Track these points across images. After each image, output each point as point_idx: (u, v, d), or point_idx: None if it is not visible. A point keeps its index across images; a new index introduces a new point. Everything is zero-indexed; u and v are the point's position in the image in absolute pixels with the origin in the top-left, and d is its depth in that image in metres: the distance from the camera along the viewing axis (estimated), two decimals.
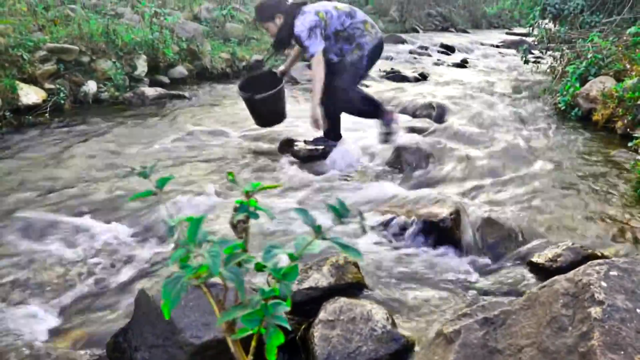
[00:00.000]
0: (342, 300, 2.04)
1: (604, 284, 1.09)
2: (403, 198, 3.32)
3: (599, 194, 3.55)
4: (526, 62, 8.62)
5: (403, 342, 1.89)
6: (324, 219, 0.94)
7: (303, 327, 2.04)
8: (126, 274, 2.53)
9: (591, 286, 1.09)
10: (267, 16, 4.02)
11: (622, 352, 0.98)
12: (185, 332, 1.82)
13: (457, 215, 2.86)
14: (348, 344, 1.88)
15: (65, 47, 5.70)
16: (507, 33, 17.23)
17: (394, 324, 1.97)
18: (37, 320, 2.23)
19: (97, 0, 7.81)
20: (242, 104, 4.51)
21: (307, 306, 2.14)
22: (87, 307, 2.31)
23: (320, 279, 2.20)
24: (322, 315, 2.00)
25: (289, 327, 0.65)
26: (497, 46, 13.68)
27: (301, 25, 3.86)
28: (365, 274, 2.38)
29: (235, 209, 0.65)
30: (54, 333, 2.15)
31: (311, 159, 4.19)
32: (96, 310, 2.28)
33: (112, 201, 3.34)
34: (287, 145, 4.47)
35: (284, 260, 0.71)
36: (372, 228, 2.96)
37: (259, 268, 0.65)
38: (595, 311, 1.05)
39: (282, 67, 4.58)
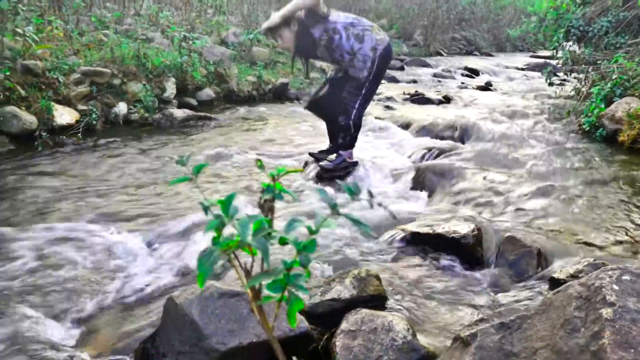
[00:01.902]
0: (364, 312, 2.09)
1: (615, 287, 1.12)
2: (425, 216, 3.36)
3: (622, 212, 3.54)
4: (550, 84, 8.61)
5: (423, 353, 1.93)
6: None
7: (325, 337, 2.08)
8: (154, 283, 2.61)
9: (603, 289, 1.13)
10: (282, 23, 4.00)
11: (632, 350, 1.01)
12: (211, 338, 1.88)
13: (478, 232, 2.89)
14: (369, 354, 1.92)
15: (98, 70, 5.90)
16: (531, 56, 17.22)
17: (414, 335, 2.00)
18: (66, 327, 2.32)
19: (129, 26, 8.07)
20: (265, 125, 4.60)
21: (330, 317, 2.18)
22: (116, 314, 2.39)
23: (342, 290, 2.25)
24: (344, 325, 2.04)
25: (307, 294, 0.71)
26: (522, 69, 13.67)
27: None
28: (387, 287, 2.43)
29: (262, 191, 0.71)
30: (83, 339, 2.24)
31: (333, 177, 4.25)
32: (125, 317, 2.36)
33: (141, 214, 3.45)
34: (310, 164, 4.54)
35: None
36: (391, 242, 3.00)
37: (283, 242, 0.72)
38: (606, 312, 1.08)
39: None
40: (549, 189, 3.98)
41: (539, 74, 12.00)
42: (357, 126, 4.25)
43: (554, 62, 10.66)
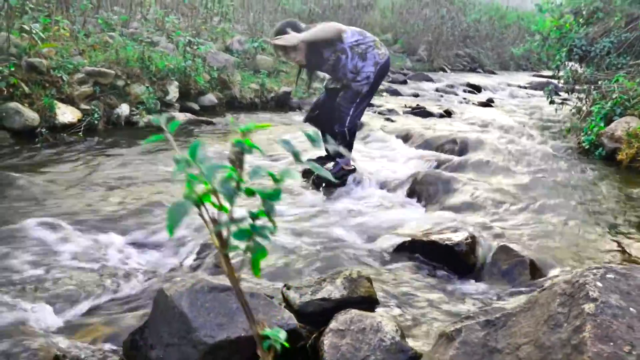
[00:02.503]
0: (354, 312, 2.09)
1: (599, 284, 1.13)
2: (420, 224, 3.37)
3: (617, 228, 3.56)
4: (551, 102, 8.64)
5: (411, 354, 1.93)
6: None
7: (314, 335, 2.09)
8: (148, 278, 2.62)
9: (587, 285, 1.14)
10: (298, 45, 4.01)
11: (612, 344, 1.02)
12: (199, 331, 1.89)
13: (472, 240, 2.90)
14: (357, 353, 1.92)
15: (102, 70, 5.94)
16: (534, 75, 17.31)
17: (403, 337, 2.00)
18: (59, 318, 2.33)
19: (135, 29, 8.13)
20: (265, 132, 4.62)
21: (320, 317, 2.19)
22: (109, 307, 2.40)
23: (333, 291, 2.26)
24: (332, 324, 2.05)
25: (270, 241, 0.72)
26: (524, 87, 13.73)
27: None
28: (378, 290, 2.43)
29: (233, 145, 0.73)
30: (75, 330, 2.24)
31: (329, 186, 4.26)
32: (118, 310, 2.37)
33: (136, 212, 3.45)
34: (308, 171, 4.56)
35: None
36: (392, 251, 3.01)
37: (249, 193, 0.73)
38: (588, 307, 1.09)
39: None
40: (546, 203, 3.99)
41: (541, 92, 12.05)
42: (352, 133, 4.29)
43: (556, 81, 10.72)
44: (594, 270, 1.20)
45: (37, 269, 2.69)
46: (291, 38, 3.94)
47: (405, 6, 17.46)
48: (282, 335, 0.83)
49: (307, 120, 4.57)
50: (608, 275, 1.16)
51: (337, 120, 4.19)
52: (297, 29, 4.04)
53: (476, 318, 1.35)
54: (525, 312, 1.26)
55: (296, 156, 0.76)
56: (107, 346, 2.12)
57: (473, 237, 2.90)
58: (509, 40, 19.52)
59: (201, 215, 0.73)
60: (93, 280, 2.61)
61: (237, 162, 0.73)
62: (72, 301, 2.44)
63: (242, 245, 0.75)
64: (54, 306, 2.40)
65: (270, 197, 0.75)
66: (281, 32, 4.03)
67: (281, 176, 0.74)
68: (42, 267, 2.71)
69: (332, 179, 0.86)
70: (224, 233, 0.75)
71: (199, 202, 0.71)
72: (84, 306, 2.42)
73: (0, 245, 2.91)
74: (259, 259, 0.75)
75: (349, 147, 4.34)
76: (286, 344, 0.82)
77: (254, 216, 0.75)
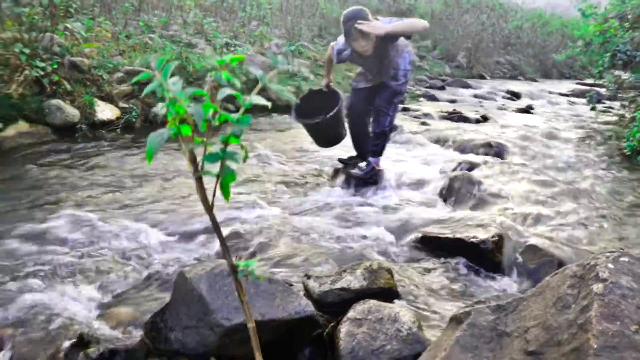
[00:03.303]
0: (372, 302, 2.09)
1: (610, 265, 1.10)
2: (448, 222, 3.34)
3: None
4: (593, 108, 8.44)
5: (427, 345, 1.91)
6: None
7: (331, 324, 2.09)
8: (171, 267, 2.66)
9: (597, 267, 1.11)
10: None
11: (619, 322, 0.99)
12: (217, 313, 1.91)
13: (499, 238, 2.85)
14: (372, 342, 1.92)
15: (141, 70, 6.09)
16: (577, 83, 16.92)
17: (420, 328, 1.99)
18: (87, 302, 2.39)
19: (175, 32, 8.30)
20: (299, 131, 4.64)
21: (339, 307, 2.18)
22: (134, 292, 2.45)
23: (352, 281, 2.25)
24: (350, 313, 2.05)
25: (240, 163, 0.74)
26: (566, 95, 13.44)
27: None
28: (399, 283, 2.41)
29: (210, 78, 0.76)
30: (101, 313, 2.30)
31: (362, 184, 4.26)
32: (141, 295, 2.42)
33: (163, 205, 3.53)
34: (340, 171, 4.57)
35: None
36: (415, 247, 3.00)
37: (222, 118, 0.75)
38: (597, 287, 1.06)
39: (324, 81, 4.54)
40: (581, 206, 3.90)
41: (583, 100, 11.77)
42: (390, 133, 4.28)
43: (601, 90, 10.46)
44: (607, 254, 1.16)
45: (69, 256, 2.77)
46: (379, 28, 3.80)
47: (444, 12, 17.33)
48: (254, 265, 0.83)
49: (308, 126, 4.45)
50: (622, 259, 1.13)
51: (376, 121, 4.19)
52: (367, 19, 3.95)
53: (487, 303, 1.34)
54: (537, 297, 1.24)
55: (261, 79, 0.78)
56: (130, 328, 2.17)
57: (500, 235, 2.86)
58: (552, 48, 19.13)
59: (179, 143, 0.75)
60: (121, 267, 2.67)
61: (211, 88, 0.75)
62: (99, 285, 2.51)
63: (214, 169, 0.78)
64: (82, 290, 2.47)
65: (240, 122, 0.77)
66: (358, 16, 3.86)
67: (250, 102, 0.76)
68: (73, 254, 2.79)
69: (293, 98, 0.88)
70: (197, 157, 0.78)
71: (176, 131, 0.73)
72: (110, 290, 2.48)
73: (36, 233, 3.02)
74: (229, 182, 0.77)
75: (384, 147, 4.32)
76: (260, 278, 0.83)
77: (225, 140, 0.77)
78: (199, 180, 0.79)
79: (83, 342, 2.05)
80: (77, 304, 2.34)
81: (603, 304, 1.03)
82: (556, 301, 1.14)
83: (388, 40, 3.90)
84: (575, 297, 1.11)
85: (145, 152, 0.76)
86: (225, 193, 0.78)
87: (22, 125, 4.96)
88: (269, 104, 0.81)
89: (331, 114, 4.15)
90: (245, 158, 0.78)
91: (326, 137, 4.47)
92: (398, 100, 4.17)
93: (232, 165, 0.77)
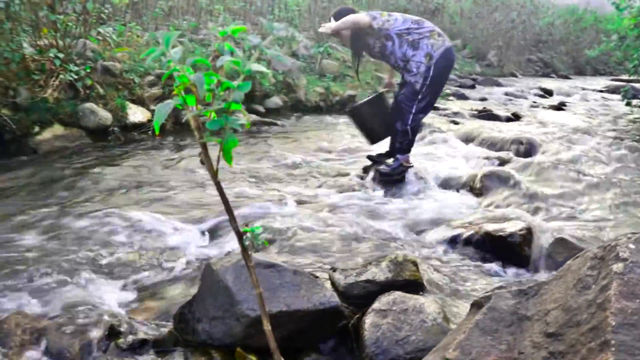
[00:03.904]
0: (397, 294, 2.09)
1: (631, 246, 1.09)
2: (477, 216, 3.32)
3: None
4: (628, 104, 8.26)
5: None
6: None
7: (357, 316, 2.10)
8: (201, 261, 2.72)
9: (618, 247, 1.10)
10: (341, 17, 4.14)
11: (638, 300, 0.98)
12: (242, 304, 1.94)
13: (527, 232, 2.83)
14: (397, 332, 1.92)
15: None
16: (612, 79, 16.56)
17: (446, 319, 1.99)
18: (116, 296, 2.46)
19: (204, 36, 8.42)
20: (327, 130, 4.67)
21: (364, 300, 2.19)
22: (165, 286, 2.51)
23: (377, 273, 2.26)
24: (375, 305, 2.06)
25: (240, 129, 0.76)
26: (600, 91, 13.17)
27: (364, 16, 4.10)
28: (425, 276, 2.41)
29: (216, 50, 0.79)
30: (132, 305, 2.36)
31: (390, 180, 4.27)
32: (171, 288, 2.47)
33: (193, 204, 3.59)
34: (369, 168, 4.58)
35: None
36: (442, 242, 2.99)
37: (224, 86, 0.78)
38: (617, 267, 1.05)
39: (381, 88, 4.70)
40: (612, 202, 3.83)
41: (618, 96, 11.52)
42: (414, 131, 4.25)
43: (636, 85, 10.22)
44: (629, 235, 1.15)
45: (100, 252, 2.85)
46: (327, 27, 4.15)
47: (474, 11, 17.16)
48: (259, 230, 0.86)
49: (349, 112, 4.63)
50: None
51: (399, 118, 4.17)
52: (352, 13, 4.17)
53: (508, 288, 1.34)
54: (558, 280, 1.23)
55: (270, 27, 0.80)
56: (159, 320, 2.22)
57: (528, 229, 2.83)
58: (585, 44, 18.76)
59: (185, 112, 0.78)
60: (151, 262, 2.74)
61: (213, 58, 0.78)
62: (129, 280, 2.57)
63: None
64: (113, 284, 2.54)
65: (240, 88, 0.79)
66: (335, 16, 4.19)
67: (247, 69, 0.78)
68: (105, 250, 2.87)
69: (285, 60, 0.90)
70: (201, 123, 0.80)
71: (182, 101, 0.76)
72: (140, 284, 2.54)
73: (69, 230, 3.12)
74: (230, 147, 0.80)
75: (410, 144, 4.31)
76: (265, 242, 0.85)
77: (226, 107, 0.79)
78: (204, 147, 0.82)
79: (114, 333, 2.11)
80: (109, 298, 2.40)
81: (622, 283, 1.02)
82: (576, 283, 1.13)
83: (356, 35, 4.14)
84: (595, 277, 1.10)
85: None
86: (228, 158, 0.81)
87: (57, 129, 5.10)
88: (269, 72, 0.84)
89: (366, 99, 4.32)
90: (248, 125, 0.81)
91: (368, 129, 4.52)
92: (422, 97, 4.07)
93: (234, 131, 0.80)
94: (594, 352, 0.95)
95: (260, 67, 0.83)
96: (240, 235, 0.87)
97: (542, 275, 2.64)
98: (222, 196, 0.86)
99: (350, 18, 4.08)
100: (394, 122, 4.24)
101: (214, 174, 0.85)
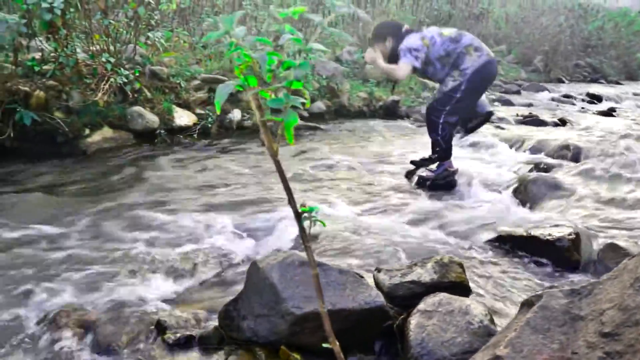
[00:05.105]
0: (442, 295, 2.07)
1: None
2: (525, 221, 3.27)
3: None
4: None
5: None
6: None
7: (402, 317, 2.09)
8: (246, 260, 2.75)
9: None
10: (379, 36, 4.17)
11: None
12: (288, 302, 1.96)
13: (576, 236, 2.76)
14: (443, 334, 1.90)
15: (217, 77, 6.31)
16: None
17: (492, 321, 1.95)
18: (165, 291, 2.51)
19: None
20: (373, 135, 4.64)
21: (409, 301, 2.17)
22: (211, 283, 2.55)
23: (423, 274, 2.24)
24: (421, 306, 2.04)
25: (300, 107, 0.77)
26: None
27: (404, 45, 4.02)
28: (471, 278, 2.38)
29: (277, 31, 0.81)
30: (178, 302, 2.41)
31: (433, 185, 4.23)
32: (218, 286, 2.52)
33: (238, 205, 3.64)
34: (412, 172, 4.55)
35: None
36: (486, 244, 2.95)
37: (286, 66, 0.79)
38: None
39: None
40: None
41: None
42: (446, 140, 4.19)
43: None
44: None
45: (149, 250, 2.91)
46: (371, 58, 4.19)
47: (519, 15, 16.87)
48: (318, 210, 0.86)
49: None
50: None
51: (432, 129, 4.16)
52: (396, 32, 4.12)
53: (560, 287, 1.31)
54: (613, 280, 1.20)
55: (332, 7, 0.81)
56: (205, 316, 2.25)
57: (577, 234, 2.76)
58: (638, 48, 18.20)
59: (244, 92, 0.80)
60: (198, 260, 2.79)
61: (274, 38, 0.79)
62: (177, 276, 2.62)
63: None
64: (161, 281, 2.59)
65: (301, 66, 0.81)
66: (377, 35, 4.20)
67: (309, 47, 0.79)
68: (154, 249, 2.93)
69: (348, 37, 0.91)
70: (262, 102, 0.82)
71: (243, 82, 0.77)
72: (187, 281, 2.59)
73: (118, 228, 3.20)
74: (291, 125, 0.81)
75: (447, 152, 4.27)
76: (323, 223, 0.85)
77: (288, 85, 0.80)
78: (264, 125, 0.84)
79: (161, 327, 2.15)
80: (156, 293, 2.45)
81: None
82: (634, 282, 1.10)
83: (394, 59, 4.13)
84: None
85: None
86: (289, 136, 0.82)
87: (107, 131, 5.25)
88: (328, 50, 0.85)
89: None
90: (308, 104, 0.82)
91: None
92: (454, 107, 4.05)
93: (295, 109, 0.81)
94: None
95: (321, 46, 0.85)
96: (298, 215, 0.88)
97: (592, 279, 2.57)
98: (281, 174, 0.87)
99: (394, 72, 4.11)
100: (429, 132, 4.22)
101: (274, 153, 0.86)
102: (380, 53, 4.16)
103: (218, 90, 0.78)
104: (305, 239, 0.90)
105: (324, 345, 1.00)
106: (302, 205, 0.91)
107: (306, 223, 0.89)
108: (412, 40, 4.03)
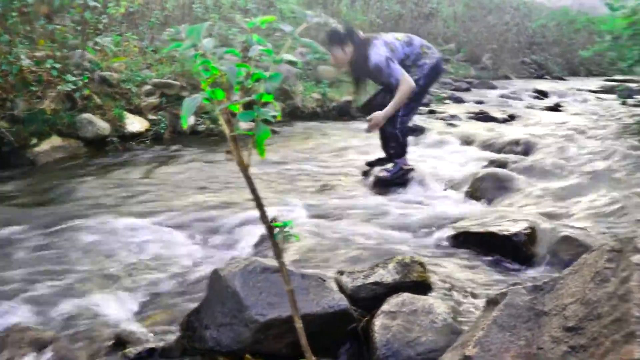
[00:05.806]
0: (405, 295, 2.08)
1: None
2: (480, 218, 3.31)
3: None
4: (623, 103, 8.30)
5: None
6: None
7: (366, 319, 2.09)
8: (205, 268, 2.70)
9: (635, 239, 1.10)
10: (336, 41, 4.11)
11: None
12: (251, 309, 1.93)
13: (532, 231, 2.82)
14: (408, 334, 1.91)
15: (168, 82, 6.20)
16: (606, 80, 16.62)
17: (455, 319, 1.98)
18: (122, 305, 2.43)
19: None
20: (326, 136, 4.65)
21: (372, 302, 2.17)
22: (169, 293, 2.49)
23: (385, 275, 2.25)
24: (384, 307, 2.04)
25: (272, 120, 0.75)
26: (595, 91, 13.21)
27: (377, 55, 4.00)
28: (433, 277, 2.40)
29: (244, 42, 0.79)
30: (137, 315, 2.34)
31: (389, 184, 4.27)
32: (176, 295, 2.46)
33: (194, 213, 3.57)
34: (368, 172, 4.58)
35: None
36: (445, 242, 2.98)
37: (255, 78, 0.77)
38: (636, 258, 1.05)
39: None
40: (614, 198, 3.81)
41: (613, 96, 11.58)
42: (404, 134, 4.26)
43: (630, 84, 10.26)
44: None
45: (104, 262, 2.83)
46: (380, 118, 4.11)
47: (467, 14, 17.22)
48: (290, 225, 0.85)
49: (362, 107, 4.66)
50: None
51: (388, 123, 4.19)
52: (352, 37, 4.11)
53: (523, 284, 1.33)
54: (574, 274, 1.23)
55: (291, 34, 0.79)
56: (166, 328, 2.20)
57: (532, 228, 2.82)
58: (579, 46, 18.83)
59: (211, 106, 0.77)
60: (155, 270, 2.72)
61: (242, 49, 0.77)
62: (134, 288, 2.55)
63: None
64: (119, 293, 2.51)
65: (272, 79, 0.79)
66: (333, 40, 4.12)
67: (280, 58, 0.78)
68: (109, 260, 2.85)
69: (318, 49, 0.90)
70: (231, 117, 0.79)
71: (210, 95, 0.75)
72: (146, 293, 2.52)
73: (71, 241, 3.09)
74: (263, 139, 0.79)
75: (403, 147, 4.32)
76: (297, 237, 0.84)
77: (258, 97, 0.78)
78: (234, 140, 0.81)
79: (121, 342, 2.09)
80: (114, 307, 2.38)
81: None
82: (594, 276, 1.13)
83: (357, 62, 4.14)
84: (614, 270, 1.10)
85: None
86: (260, 150, 0.80)
87: (55, 140, 5.08)
88: (299, 61, 0.83)
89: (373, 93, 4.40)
90: (279, 116, 0.80)
91: None
92: (409, 101, 4.11)
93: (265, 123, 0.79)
94: (619, 343, 0.94)
95: (292, 57, 0.83)
96: (271, 230, 0.86)
97: (550, 273, 2.63)
98: (252, 191, 0.85)
99: (407, 91, 4.02)
100: (386, 127, 4.23)
101: (244, 168, 0.83)
102: (340, 59, 4.18)
103: (184, 104, 0.75)
104: (278, 254, 0.88)
105: None
106: (274, 220, 0.89)
107: (279, 237, 0.87)
108: (383, 49, 4.05)
